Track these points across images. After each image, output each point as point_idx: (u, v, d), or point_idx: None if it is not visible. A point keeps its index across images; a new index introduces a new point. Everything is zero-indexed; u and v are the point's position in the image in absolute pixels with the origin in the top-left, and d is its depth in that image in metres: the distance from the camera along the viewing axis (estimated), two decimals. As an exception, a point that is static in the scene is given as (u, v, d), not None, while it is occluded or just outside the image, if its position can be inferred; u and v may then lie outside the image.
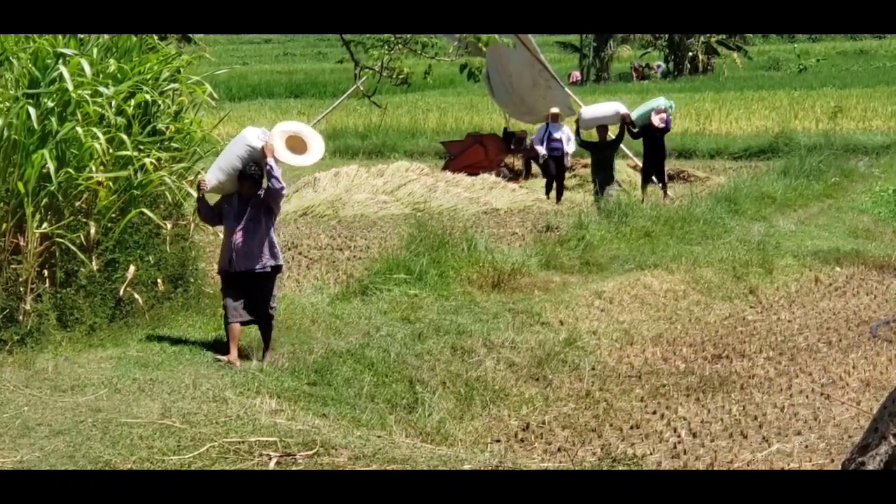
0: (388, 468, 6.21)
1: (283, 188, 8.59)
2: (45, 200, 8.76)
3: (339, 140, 28.34)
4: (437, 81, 42.32)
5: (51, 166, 8.56)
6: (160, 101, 9.88)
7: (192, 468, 6.13)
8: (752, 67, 59.70)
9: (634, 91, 40.92)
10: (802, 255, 14.13)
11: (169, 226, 9.54)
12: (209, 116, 11.11)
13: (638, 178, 19.90)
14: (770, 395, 9.08)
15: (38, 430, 6.69)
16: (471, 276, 11.49)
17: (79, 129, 8.84)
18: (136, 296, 9.04)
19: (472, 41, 9.95)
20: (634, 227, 14.26)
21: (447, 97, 41.73)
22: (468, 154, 21.97)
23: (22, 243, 8.60)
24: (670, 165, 23.21)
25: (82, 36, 9.45)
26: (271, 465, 6.24)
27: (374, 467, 6.23)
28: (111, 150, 9.14)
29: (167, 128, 9.91)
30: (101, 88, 9.12)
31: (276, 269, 8.76)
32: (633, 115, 17.27)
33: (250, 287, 8.57)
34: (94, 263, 8.84)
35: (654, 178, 17.87)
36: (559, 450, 7.87)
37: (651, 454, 7.72)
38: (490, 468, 6.32)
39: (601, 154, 16.88)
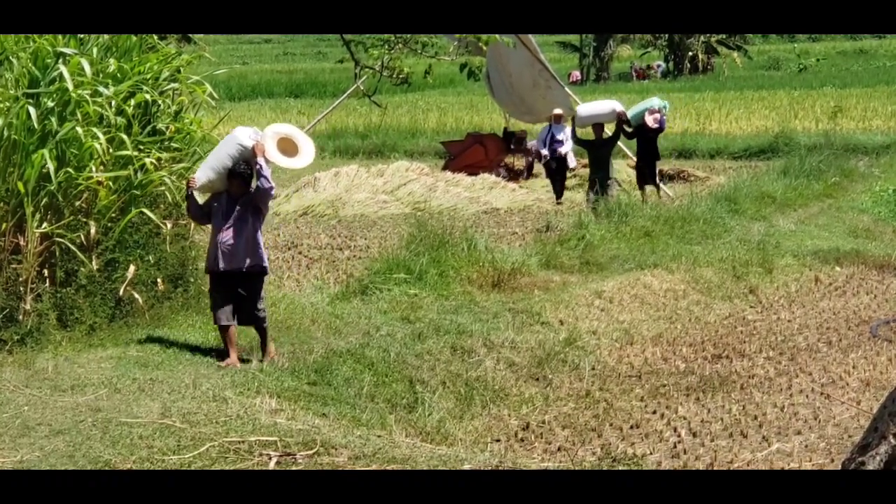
0: (388, 468, 6.21)
1: (272, 188, 8.51)
2: (45, 200, 8.76)
3: (339, 140, 28.36)
4: (437, 81, 42.33)
5: (51, 166, 8.56)
6: (160, 101, 9.88)
7: (192, 468, 6.13)
8: (752, 67, 59.72)
9: (634, 91, 40.93)
10: (802, 255, 14.13)
11: (169, 226, 9.55)
12: (209, 116, 11.12)
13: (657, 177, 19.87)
14: (770, 395, 9.08)
15: (38, 429, 6.69)
16: (471, 275, 11.50)
17: (79, 129, 8.84)
18: (136, 296, 9.05)
19: (472, 41, 9.94)
20: (634, 226, 14.27)
21: (447, 97, 41.73)
22: (468, 154, 21.97)
23: (22, 243, 8.60)
24: (670, 165, 23.27)
25: (82, 36, 9.45)
26: (271, 465, 6.24)
27: (374, 467, 6.24)
28: (111, 150, 9.14)
29: (167, 128, 9.92)
30: (101, 88, 9.13)
31: (262, 270, 8.62)
32: (628, 115, 17.24)
33: (237, 287, 8.48)
34: (94, 263, 8.85)
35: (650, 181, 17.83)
36: (559, 449, 7.87)
37: (651, 454, 7.72)
38: (490, 468, 6.32)
39: (597, 152, 16.87)
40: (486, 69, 18.41)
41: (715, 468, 7.32)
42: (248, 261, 8.47)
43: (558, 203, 18.70)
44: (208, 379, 7.93)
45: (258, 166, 8.37)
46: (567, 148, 18.94)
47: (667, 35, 58.21)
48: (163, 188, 9.51)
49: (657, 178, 17.94)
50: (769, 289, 12.97)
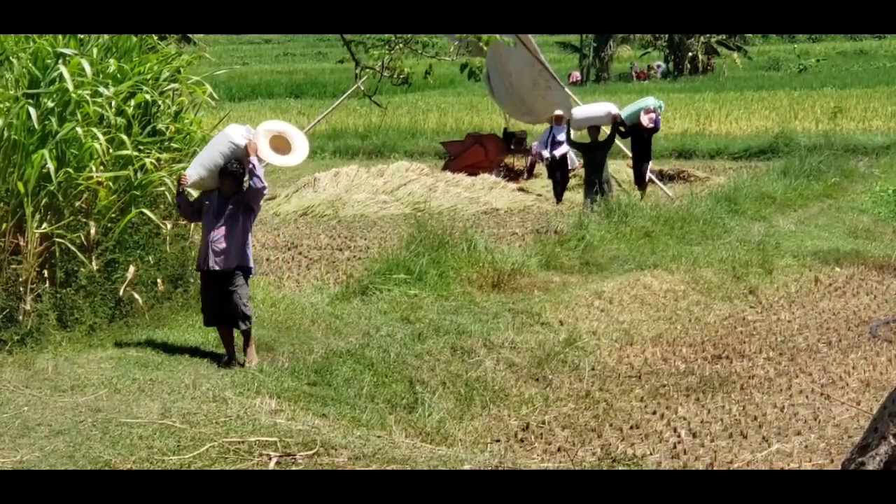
0: (388, 468, 6.21)
1: (264, 188, 8.38)
2: (45, 200, 8.76)
3: (339, 140, 28.36)
4: (438, 82, 42.33)
5: (51, 166, 8.56)
6: (160, 102, 9.89)
7: (192, 468, 6.13)
8: (752, 67, 59.69)
9: (634, 91, 40.88)
10: (802, 256, 14.13)
11: (169, 226, 9.55)
12: (209, 117, 11.12)
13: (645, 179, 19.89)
14: (770, 396, 9.08)
15: (38, 430, 6.70)
16: (471, 276, 11.50)
17: (79, 130, 8.84)
18: (136, 296, 9.05)
19: (472, 41, 9.94)
20: (634, 227, 14.26)
21: (447, 97, 41.73)
22: (468, 154, 21.97)
23: (22, 243, 8.60)
24: (670, 165, 23.27)
25: (82, 36, 9.46)
26: (271, 465, 6.25)
27: (374, 467, 6.24)
28: (111, 151, 9.14)
29: (167, 128, 9.92)
30: (101, 88, 9.13)
31: (247, 271, 8.52)
32: (623, 114, 17.20)
33: (225, 285, 8.41)
34: (94, 263, 8.85)
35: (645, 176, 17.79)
36: (559, 450, 7.87)
37: (651, 454, 7.72)
38: (490, 468, 6.32)
39: (592, 155, 16.84)
40: (486, 69, 18.41)
41: (715, 468, 7.31)
42: (237, 261, 8.39)
43: (557, 203, 18.69)
44: (208, 379, 7.94)
45: (251, 165, 8.27)
46: (565, 149, 18.91)
47: (667, 35, 58.20)
48: (163, 188, 9.51)
49: (645, 179, 17.88)
50: (769, 289, 12.97)
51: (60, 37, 9.25)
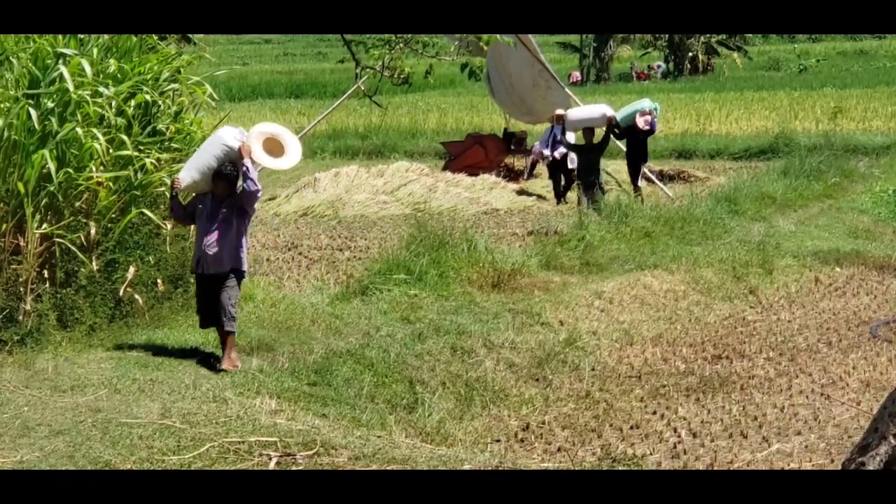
0: (388, 468, 6.21)
1: (258, 190, 8.29)
2: (45, 201, 8.76)
3: (339, 140, 28.35)
4: (438, 82, 42.34)
5: (51, 166, 8.56)
6: (160, 102, 9.89)
7: (192, 468, 6.13)
8: (753, 68, 59.69)
9: (635, 91, 40.90)
10: (802, 256, 14.13)
11: (169, 226, 9.55)
12: (209, 117, 11.13)
13: (639, 180, 19.87)
14: (770, 396, 9.08)
15: (38, 430, 6.70)
16: (471, 276, 11.49)
17: (79, 130, 8.85)
18: (136, 296, 9.05)
19: (472, 41, 9.94)
20: (634, 227, 14.26)
21: (447, 97, 41.74)
22: (468, 154, 21.96)
23: (22, 243, 8.60)
24: (670, 166, 23.27)
25: (82, 36, 9.46)
26: (271, 465, 6.25)
27: (374, 467, 6.24)
28: (111, 151, 9.15)
29: (167, 128, 9.92)
30: (102, 89, 9.13)
31: (240, 274, 8.44)
32: (618, 116, 17.16)
33: (218, 288, 8.33)
34: (94, 264, 8.85)
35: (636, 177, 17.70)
36: (559, 450, 7.87)
37: (651, 454, 7.72)
38: (490, 468, 6.32)
39: (587, 157, 16.82)
40: (486, 70, 18.40)
41: (715, 469, 7.31)
42: (231, 264, 8.31)
43: (558, 203, 18.69)
44: (208, 379, 7.94)
45: (244, 168, 8.18)
46: (563, 149, 18.88)
47: (667, 36, 58.19)
48: (163, 189, 9.50)
49: (639, 180, 17.80)
50: (769, 289, 12.97)
51: (60, 37, 9.25)
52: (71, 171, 8.83)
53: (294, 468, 6.23)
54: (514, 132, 22.37)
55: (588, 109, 17.87)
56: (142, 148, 9.46)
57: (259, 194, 8.36)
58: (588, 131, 17.09)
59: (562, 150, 18.75)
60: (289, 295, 10.67)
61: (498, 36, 9.38)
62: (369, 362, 8.84)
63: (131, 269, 9.04)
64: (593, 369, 9.88)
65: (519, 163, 22.36)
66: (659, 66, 59.82)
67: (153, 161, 9.39)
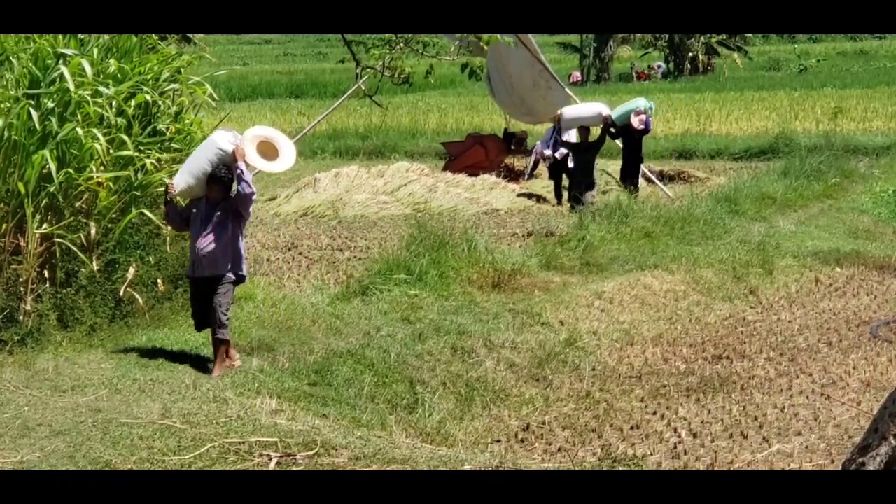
0: (389, 468, 6.21)
1: (253, 193, 8.23)
2: (45, 201, 8.77)
3: (339, 140, 28.34)
4: (438, 82, 42.32)
5: (52, 167, 8.56)
6: (160, 102, 9.89)
7: (193, 468, 6.14)
8: (753, 68, 59.67)
9: (635, 91, 40.85)
10: (803, 256, 14.13)
11: (169, 227, 9.54)
12: (209, 117, 11.14)
13: (639, 179, 19.85)
14: (770, 396, 9.08)
15: (39, 430, 6.70)
16: (471, 276, 11.49)
17: (79, 130, 8.85)
18: (137, 296, 9.06)
19: (473, 41, 9.94)
20: (634, 227, 14.26)
21: (447, 98, 41.72)
22: (468, 155, 21.95)
23: (22, 244, 8.61)
24: (670, 166, 23.26)
25: (82, 36, 9.46)
26: (271, 466, 6.25)
27: (374, 467, 6.24)
28: (111, 151, 9.15)
29: (167, 128, 9.93)
30: (102, 89, 9.14)
31: (239, 279, 8.40)
32: (613, 115, 17.10)
33: (212, 293, 8.27)
34: (94, 264, 8.85)
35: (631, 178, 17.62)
36: (559, 450, 7.87)
37: (651, 454, 7.72)
38: (490, 468, 6.32)
39: (582, 156, 16.80)
40: (486, 70, 18.39)
41: (715, 469, 7.31)
42: (227, 268, 8.26)
43: (558, 203, 18.68)
44: (208, 380, 7.95)
45: (238, 171, 8.14)
46: (565, 150, 18.86)
47: (667, 36, 58.17)
48: (163, 189, 9.50)
49: (637, 180, 17.76)
50: (769, 289, 12.97)
51: (61, 37, 9.25)
52: (71, 171, 8.83)
53: (294, 468, 6.23)
54: (515, 132, 22.37)
55: (583, 108, 17.81)
56: (142, 148, 9.47)
57: (254, 197, 8.31)
58: (584, 130, 17.07)
59: (563, 150, 18.74)
60: (289, 295, 10.67)
61: (498, 36, 9.38)
62: (370, 362, 8.84)
63: (131, 270, 9.05)
64: (594, 369, 9.88)
65: (519, 163, 22.36)
66: (659, 67, 59.79)
67: (153, 161, 9.40)
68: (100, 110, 9.09)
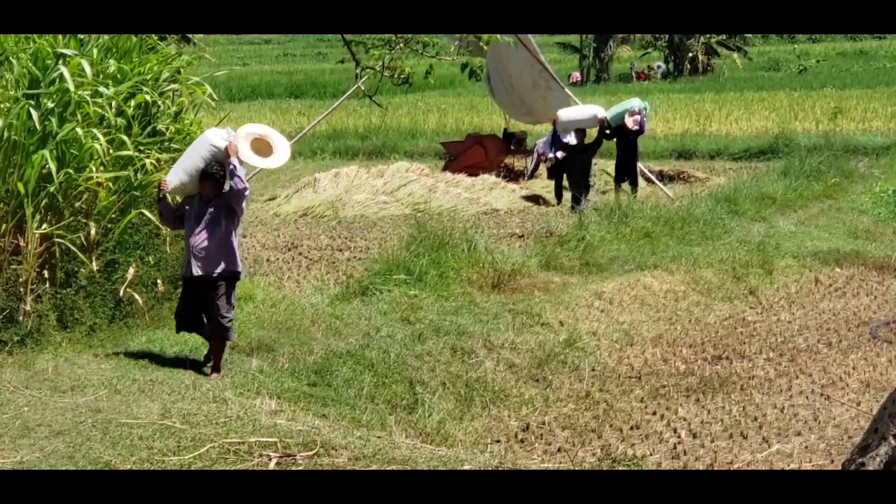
0: (389, 469, 6.21)
1: (246, 189, 8.18)
2: (45, 201, 8.76)
3: (339, 141, 28.35)
4: (438, 82, 42.28)
5: (52, 167, 8.56)
6: (160, 102, 9.88)
7: (193, 469, 6.13)
8: (752, 68, 59.67)
9: (634, 92, 40.84)
10: (802, 256, 14.13)
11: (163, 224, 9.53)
12: (209, 117, 11.12)
13: (637, 178, 19.85)
14: (770, 396, 9.08)
15: (38, 430, 6.69)
16: (471, 276, 11.49)
17: (79, 130, 8.84)
18: (136, 296, 9.05)
19: (472, 41, 9.94)
20: (634, 227, 14.26)
21: (447, 98, 41.73)
22: (468, 155, 21.96)
23: (22, 244, 8.60)
24: (670, 166, 23.27)
25: (82, 36, 9.45)
26: (271, 466, 6.25)
27: (374, 468, 6.24)
28: (111, 151, 9.14)
29: (167, 128, 9.92)
30: (102, 89, 9.13)
31: (233, 275, 8.32)
32: (608, 116, 17.08)
33: (207, 293, 8.22)
34: (94, 264, 8.85)
35: (627, 179, 17.60)
36: (559, 450, 7.87)
37: (651, 455, 7.72)
38: (490, 469, 6.32)
39: (578, 158, 16.81)
40: (486, 70, 18.39)
41: (715, 469, 7.31)
42: (221, 265, 8.19)
43: (558, 203, 18.69)
44: (208, 380, 7.94)
45: (231, 167, 8.11)
46: (558, 154, 18.87)
47: (667, 36, 58.17)
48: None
49: (637, 181, 17.75)
50: (769, 290, 12.97)
51: (60, 37, 9.25)
52: (71, 171, 8.83)
53: (294, 468, 6.22)
54: (514, 132, 22.38)
55: (579, 110, 17.80)
56: (142, 148, 9.46)
57: (247, 192, 8.26)
58: (579, 132, 17.07)
59: (557, 152, 18.77)
60: (289, 295, 10.67)
61: (498, 36, 9.38)
62: (369, 363, 8.84)
63: (131, 270, 9.04)
64: (593, 370, 9.88)
65: (519, 163, 22.36)
66: (659, 67, 59.79)
67: (153, 161, 9.39)
68: (99, 110, 9.09)
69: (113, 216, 9.20)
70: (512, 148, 22.14)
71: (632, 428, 8.38)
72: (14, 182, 8.61)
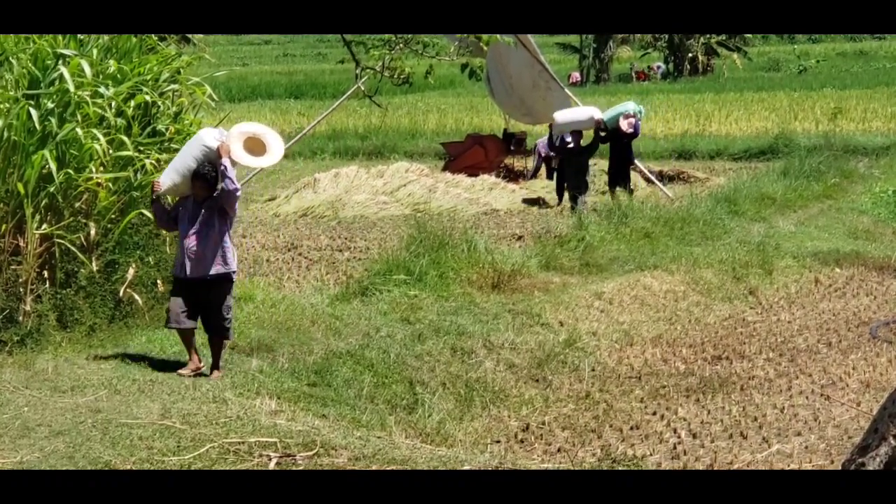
0: (388, 469, 6.21)
1: (237, 189, 8.12)
2: (44, 201, 8.76)
3: (339, 141, 28.35)
4: (438, 82, 42.27)
5: (52, 167, 8.56)
6: (160, 102, 9.88)
7: (193, 469, 6.13)
8: (752, 68, 59.67)
9: (634, 92, 40.90)
10: (802, 256, 14.13)
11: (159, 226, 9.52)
12: (209, 117, 11.11)
13: (637, 178, 19.86)
14: (770, 396, 9.08)
15: (38, 430, 6.69)
16: (471, 276, 11.49)
17: (79, 130, 8.84)
18: (136, 297, 9.05)
19: (472, 41, 9.94)
20: (634, 227, 14.26)
21: (447, 98, 41.73)
22: (468, 155, 21.96)
23: (22, 244, 8.60)
24: (670, 166, 23.27)
25: (82, 36, 9.45)
26: (271, 466, 6.25)
27: (374, 468, 6.23)
28: (111, 151, 9.14)
29: (167, 129, 9.92)
30: (101, 89, 9.13)
31: (228, 276, 8.25)
32: (604, 118, 17.06)
33: (202, 294, 8.16)
34: (93, 264, 8.85)
35: (620, 184, 17.54)
36: (559, 450, 7.87)
37: (651, 455, 7.72)
38: (490, 469, 6.32)
39: (575, 159, 16.80)
40: (486, 70, 18.39)
41: (715, 469, 7.31)
42: (214, 267, 8.13)
43: (559, 203, 18.69)
44: (208, 380, 7.94)
45: (223, 167, 8.05)
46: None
47: (667, 36, 58.18)
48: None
49: (630, 184, 17.71)
50: (769, 290, 12.97)
51: (60, 37, 9.25)
52: (71, 171, 8.83)
53: (294, 469, 6.22)
54: (514, 133, 22.38)
55: (576, 112, 17.80)
56: (141, 149, 9.46)
57: (238, 194, 8.19)
58: (575, 134, 17.06)
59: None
60: (289, 295, 10.67)
61: (498, 36, 9.38)
62: (369, 363, 8.84)
63: (131, 270, 9.04)
64: (593, 370, 9.88)
65: (519, 163, 22.36)
66: (659, 67, 59.78)
67: (153, 162, 9.39)
68: (99, 111, 9.09)
69: (113, 216, 9.21)
70: (512, 148, 22.14)
71: (632, 428, 8.38)
72: (14, 182, 8.61)
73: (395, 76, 9.58)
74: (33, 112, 8.64)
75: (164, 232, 9.45)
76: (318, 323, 9.77)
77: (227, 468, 6.17)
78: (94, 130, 8.96)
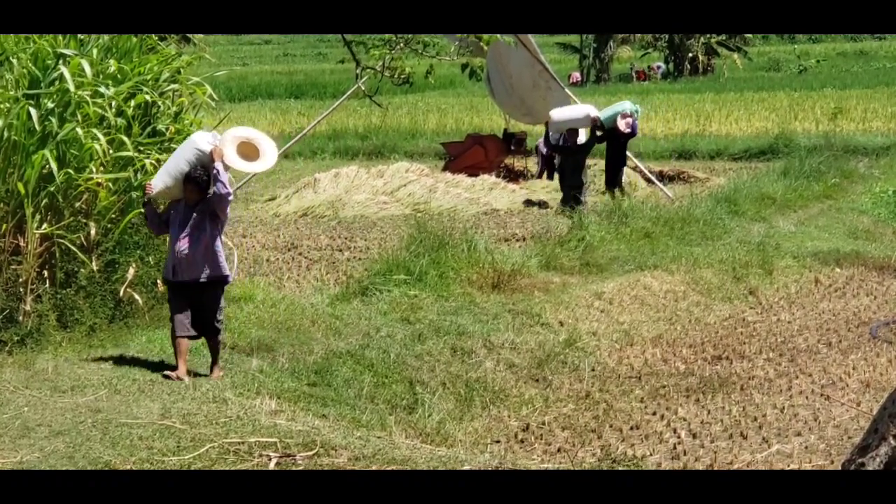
0: (388, 469, 6.21)
1: (229, 194, 8.03)
2: (45, 201, 8.77)
3: (339, 141, 28.35)
4: (438, 82, 42.30)
5: (52, 167, 8.56)
6: (160, 102, 9.88)
7: (193, 469, 6.13)
8: (752, 68, 59.71)
9: (635, 92, 40.94)
10: (802, 256, 14.13)
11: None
12: (209, 117, 11.11)
13: (637, 178, 19.87)
14: (770, 396, 9.08)
15: (38, 430, 6.69)
16: (471, 276, 11.49)
17: (79, 130, 8.84)
18: (136, 296, 9.05)
19: (473, 41, 9.94)
20: (634, 227, 14.26)
21: (447, 98, 41.75)
22: (468, 155, 21.95)
23: (22, 244, 8.60)
24: (670, 166, 23.27)
25: (82, 36, 9.46)
26: (271, 466, 6.25)
27: (374, 468, 6.23)
28: (111, 151, 9.14)
29: (167, 129, 9.92)
30: (102, 89, 9.13)
31: (221, 279, 8.20)
32: (601, 117, 17.03)
33: (195, 298, 8.10)
34: (94, 264, 8.85)
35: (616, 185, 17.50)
36: (559, 450, 7.87)
37: (651, 455, 7.72)
38: (490, 469, 6.32)
39: (572, 158, 16.79)
40: (486, 70, 18.39)
41: (715, 469, 7.31)
42: (206, 271, 8.07)
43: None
44: (208, 380, 7.94)
45: (215, 171, 7.97)
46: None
47: (667, 36, 58.21)
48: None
49: (621, 183, 17.68)
50: (769, 290, 12.97)
51: (60, 37, 9.25)
52: (71, 171, 8.83)
53: (294, 469, 6.22)
54: (514, 133, 22.37)
55: (572, 110, 17.78)
56: (142, 149, 9.46)
57: (230, 198, 8.11)
58: (572, 132, 17.04)
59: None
60: (289, 295, 10.67)
61: (498, 36, 9.38)
62: (369, 363, 8.84)
63: (131, 270, 9.04)
64: (593, 370, 9.88)
65: (519, 163, 22.36)
66: (659, 67, 59.81)
67: (153, 162, 9.39)
68: (100, 111, 9.09)
69: (113, 216, 9.21)
70: (512, 148, 22.13)
71: (632, 428, 8.38)
72: (14, 182, 8.61)
73: (396, 76, 9.58)
74: (33, 112, 8.64)
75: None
76: (318, 323, 9.77)
77: (227, 468, 6.17)
78: (95, 130, 8.97)
